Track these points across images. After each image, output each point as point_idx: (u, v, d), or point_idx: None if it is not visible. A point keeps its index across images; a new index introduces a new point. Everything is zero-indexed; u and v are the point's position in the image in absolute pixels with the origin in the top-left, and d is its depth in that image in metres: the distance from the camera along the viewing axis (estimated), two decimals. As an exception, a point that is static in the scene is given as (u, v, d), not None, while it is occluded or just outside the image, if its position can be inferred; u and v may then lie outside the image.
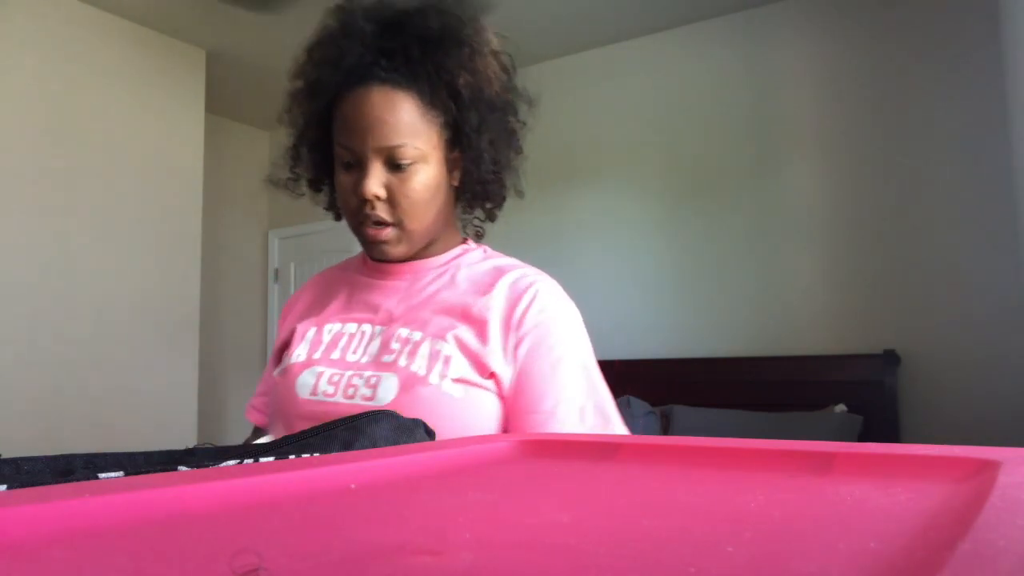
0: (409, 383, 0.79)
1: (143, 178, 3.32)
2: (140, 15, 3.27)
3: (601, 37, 3.50)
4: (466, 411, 0.79)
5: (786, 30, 3.12)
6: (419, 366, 0.80)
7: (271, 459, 0.39)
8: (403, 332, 0.84)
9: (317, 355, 0.87)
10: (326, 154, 0.90)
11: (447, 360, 0.80)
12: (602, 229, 3.46)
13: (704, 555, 0.20)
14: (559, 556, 0.20)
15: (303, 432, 0.49)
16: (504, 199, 0.93)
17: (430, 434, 0.52)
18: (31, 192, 2.91)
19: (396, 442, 0.48)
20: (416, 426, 0.51)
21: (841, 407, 2.64)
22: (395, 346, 0.83)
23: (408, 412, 0.76)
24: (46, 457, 0.37)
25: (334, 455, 0.40)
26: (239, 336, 4.53)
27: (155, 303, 3.32)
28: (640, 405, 2.88)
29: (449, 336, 0.82)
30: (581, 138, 3.54)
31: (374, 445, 0.47)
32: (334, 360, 0.86)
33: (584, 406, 0.81)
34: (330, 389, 0.83)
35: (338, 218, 0.96)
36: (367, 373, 0.82)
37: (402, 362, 0.81)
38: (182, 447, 0.44)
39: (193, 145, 3.56)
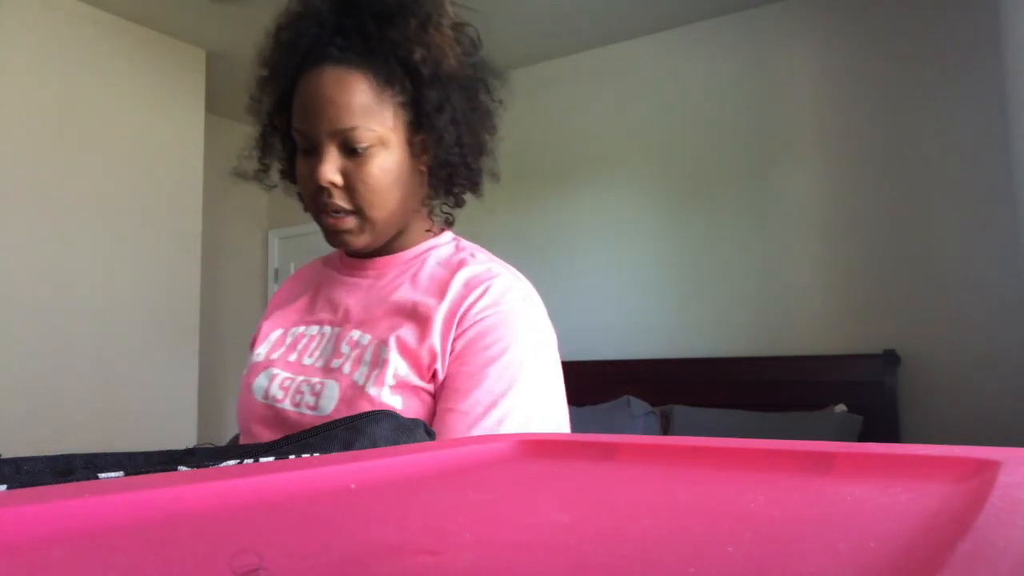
0: (348, 393, 0.77)
1: (143, 178, 3.32)
2: (140, 15, 3.27)
3: (601, 37, 3.50)
4: None
5: (786, 30, 3.12)
6: (360, 374, 0.77)
7: (271, 459, 0.39)
8: (354, 335, 0.81)
9: (275, 356, 0.86)
10: (295, 143, 0.85)
11: (384, 364, 0.76)
12: (602, 229, 3.46)
13: (704, 555, 0.20)
14: (559, 556, 0.20)
15: (303, 432, 0.49)
16: (477, 184, 0.87)
17: (430, 434, 0.52)
18: (31, 192, 2.91)
19: (396, 442, 0.48)
20: (416, 426, 0.51)
21: (841, 407, 2.64)
22: (344, 350, 0.80)
23: None
24: (46, 457, 0.37)
25: (334, 455, 0.40)
26: (239, 336, 4.54)
27: (155, 303, 3.32)
28: (640, 405, 2.88)
29: (391, 338, 0.78)
30: (581, 138, 3.54)
31: (374, 445, 0.47)
32: (290, 363, 0.84)
33: (507, 414, 0.73)
34: (280, 394, 0.81)
35: (307, 209, 0.92)
36: (314, 380, 0.80)
37: (346, 369, 0.78)
38: (182, 447, 0.44)
39: (193, 145, 3.56)
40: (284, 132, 0.87)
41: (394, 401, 0.75)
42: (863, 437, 2.54)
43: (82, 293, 3.05)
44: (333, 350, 0.82)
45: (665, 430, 2.83)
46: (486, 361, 0.76)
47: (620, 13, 3.28)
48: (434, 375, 0.77)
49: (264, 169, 0.90)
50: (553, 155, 3.57)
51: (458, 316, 0.78)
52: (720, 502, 0.28)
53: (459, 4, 0.84)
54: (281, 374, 0.83)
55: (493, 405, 0.74)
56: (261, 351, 0.88)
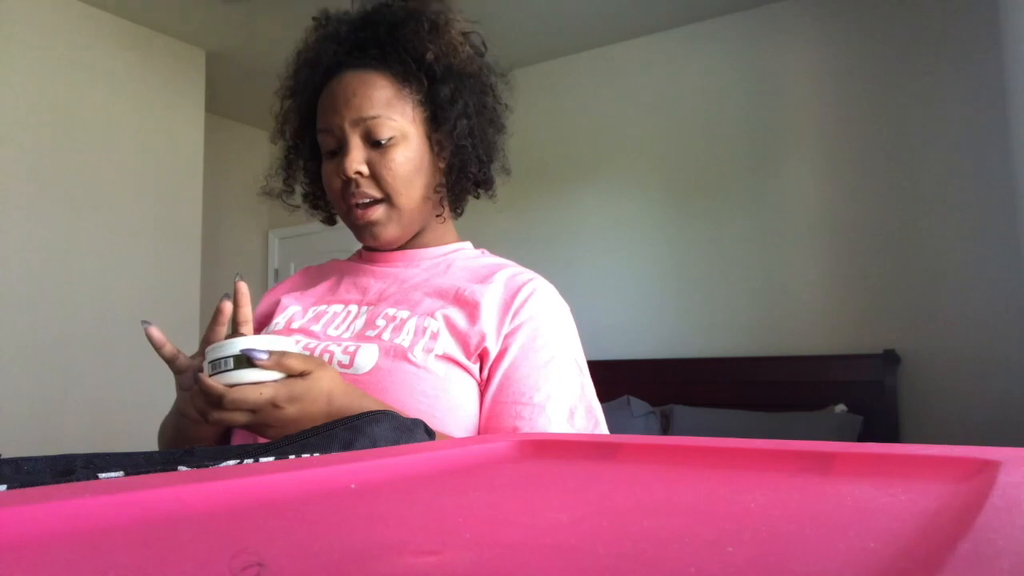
0: (390, 353, 0.78)
1: (143, 178, 3.31)
2: (140, 15, 3.27)
3: (601, 37, 3.50)
4: (444, 390, 0.78)
5: (786, 30, 3.12)
6: (403, 340, 0.79)
7: (271, 459, 0.39)
8: (390, 311, 0.83)
9: (296, 325, 0.87)
10: (319, 163, 0.90)
11: (434, 336, 0.79)
12: (602, 229, 3.46)
13: (704, 555, 0.20)
14: (559, 556, 0.20)
15: (303, 432, 0.49)
16: (489, 182, 0.92)
17: (430, 434, 0.52)
18: (31, 192, 2.91)
19: (396, 442, 0.48)
20: (416, 426, 0.51)
21: (841, 407, 2.64)
22: (380, 323, 0.82)
23: (386, 382, 0.76)
24: (46, 457, 0.37)
25: (334, 455, 0.40)
26: (239, 336, 4.53)
27: (155, 303, 3.32)
28: (640, 405, 2.88)
29: (438, 314, 0.81)
30: (581, 138, 3.54)
31: (374, 445, 0.47)
32: (314, 332, 0.85)
33: (575, 406, 0.81)
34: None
35: (331, 222, 0.97)
36: (344, 343, 0.81)
37: (385, 336, 0.80)
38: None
39: (193, 145, 3.56)
40: (308, 152, 0.92)
41: (437, 367, 0.78)
42: (863, 437, 2.54)
43: (82, 293, 3.05)
44: (366, 324, 0.83)
45: (665, 430, 2.83)
46: (548, 359, 0.81)
47: (620, 13, 3.28)
48: (481, 356, 0.80)
49: (288, 189, 0.95)
50: (553, 155, 3.56)
51: (513, 307, 0.82)
52: (720, 502, 0.28)
53: (468, 19, 0.90)
54: (304, 339, 0.84)
55: (565, 400, 0.80)
56: (281, 320, 0.89)
